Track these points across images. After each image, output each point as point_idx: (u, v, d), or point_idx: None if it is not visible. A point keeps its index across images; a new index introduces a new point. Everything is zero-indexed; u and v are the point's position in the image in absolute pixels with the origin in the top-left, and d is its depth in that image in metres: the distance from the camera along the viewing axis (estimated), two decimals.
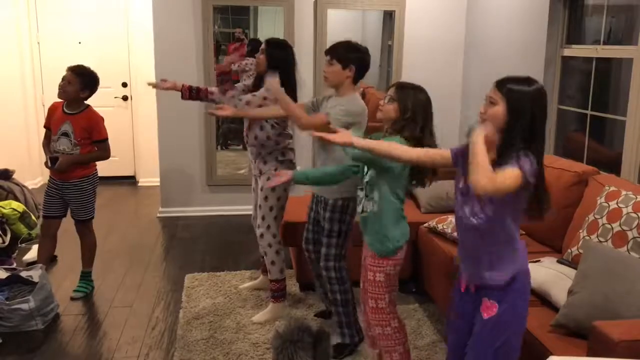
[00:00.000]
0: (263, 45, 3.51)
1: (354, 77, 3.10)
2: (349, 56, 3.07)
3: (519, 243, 2.16)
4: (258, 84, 3.54)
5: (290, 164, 3.61)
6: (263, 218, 3.56)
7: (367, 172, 2.70)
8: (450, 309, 2.37)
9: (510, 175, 1.93)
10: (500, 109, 2.04)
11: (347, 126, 3.00)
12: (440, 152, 2.29)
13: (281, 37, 5.55)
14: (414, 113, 2.56)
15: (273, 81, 3.11)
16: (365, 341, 3.19)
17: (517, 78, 2.10)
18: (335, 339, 3.23)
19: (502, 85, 2.08)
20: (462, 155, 2.17)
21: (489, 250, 2.13)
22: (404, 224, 2.69)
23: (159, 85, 3.77)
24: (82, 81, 3.78)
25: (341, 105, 3.05)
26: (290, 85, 3.42)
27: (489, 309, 2.14)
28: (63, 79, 3.77)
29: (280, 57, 3.46)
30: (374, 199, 2.65)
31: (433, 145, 2.55)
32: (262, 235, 3.58)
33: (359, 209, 2.75)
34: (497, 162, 2.00)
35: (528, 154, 1.97)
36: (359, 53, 3.12)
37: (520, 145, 1.99)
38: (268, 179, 3.50)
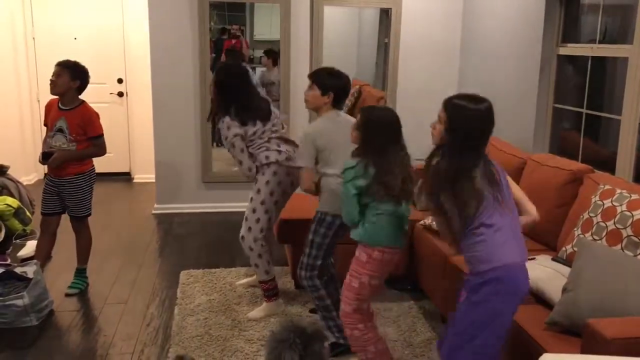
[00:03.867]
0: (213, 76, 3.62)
1: (333, 102, 3.16)
2: (328, 83, 3.14)
3: (480, 242, 2.19)
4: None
5: (276, 167, 3.59)
6: (245, 219, 3.57)
7: None
8: None
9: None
10: (440, 128, 2.22)
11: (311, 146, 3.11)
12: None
13: (277, 34, 5.60)
14: (372, 137, 2.65)
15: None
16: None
17: (465, 96, 2.23)
18: (330, 338, 3.23)
19: (447, 102, 2.23)
20: None
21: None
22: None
23: None
24: (70, 72, 3.78)
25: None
26: (241, 105, 3.49)
27: (462, 296, 2.28)
28: (52, 74, 3.78)
29: (224, 80, 3.55)
30: None
31: (406, 158, 2.66)
32: (242, 238, 3.59)
33: None
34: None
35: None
36: (339, 81, 3.18)
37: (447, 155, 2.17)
38: (255, 182, 3.56)
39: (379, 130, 2.67)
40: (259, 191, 3.54)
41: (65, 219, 4.02)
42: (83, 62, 3.88)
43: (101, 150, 3.92)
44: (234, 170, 5.88)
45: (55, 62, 3.81)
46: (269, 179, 3.55)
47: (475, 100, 2.20)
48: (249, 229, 3.56)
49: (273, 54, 5.80)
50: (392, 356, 2.90)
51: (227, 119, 3.50)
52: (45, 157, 3.79)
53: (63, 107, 3.82)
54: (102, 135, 3.89)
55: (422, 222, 3.73)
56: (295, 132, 5.78)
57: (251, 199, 3.57)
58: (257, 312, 3.62)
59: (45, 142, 3.93)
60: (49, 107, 3.93)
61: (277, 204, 3.63)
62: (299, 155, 3.22)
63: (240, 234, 3.61)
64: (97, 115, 3.88)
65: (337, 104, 3.17)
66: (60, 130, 3.79)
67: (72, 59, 3.86)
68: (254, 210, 3.55)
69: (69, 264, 4.16)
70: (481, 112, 2.18)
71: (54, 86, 3.77)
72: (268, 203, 3.57)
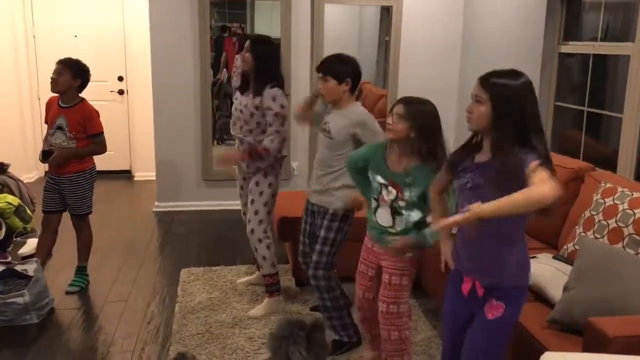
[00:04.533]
0: (248, 44, 3.48)
1: (351, 89, 3.07)
2: (342, 70, 3.02)
3: (524, 243, 2.13)
4: (247, 80, 3.52)
5: (284, 160, 3.63)
6: (256, 213, 3.54)
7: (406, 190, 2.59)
8: (446, 311, 2.34)
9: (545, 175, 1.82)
10: (485, 109, 1.98)
11: (355, 136, 2.99)
12: (439, 186, 2.31)
13: (278, 32, 5.56)
14: (425, 130, 2.49)
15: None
16: (364, 343, 3.17)
17: (502, 72, 2.02)
18: (332, 336, 3.21)
19: (486, 80, 2.00)
20: (453, 163, 2.17)
21: (497, 250, 2.08)
22: None
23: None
24: (72, 71, 3.77)
25: (344, 119, 3.03)
26: (276, 79, 3.43)
27: (495, 309, 2.09)
28: (53, 72, 3.77)
29: (265, 53, 3.45)
30: (411, 218, 2.57)
31: (444, 157, 2.46)
32: (252, 231, 3.56)
33: (384, 222, 2.64)
34: (498, 162, 1.95)
35: (530, 152, 1.91)
36: (351, 65, 3.08)
37: (516, 143, 1.93)
38: (265, 175, 3.50)
39: (437, 122, 2.54)
40: (270, 185, 3.53)
41: (66, 217, 4.02)
42: (83, 60, 3.87)
43: (102, 148, 3.91)
44: (234, 168, 5.89)
45: (55, 60, 3.81)
46: (279, 171, 3.58)
47: (516, 75, 2.02)
48: (260, 221, 3.54)
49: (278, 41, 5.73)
50: None
51: (278, 90, 3.39)
52: (45, 156, 3.78)
53: (63, 105, 3.81)
54: (102, 132, 3.88)
55: None
56: (296, 131, 5.77)
57: (261, 192, 3.52)
58: (257, 310, 3.62)
59: (45, 139, 3.93)
60: (49, 104, 3.93)
61: None
62: (379, 133, 2.93)
63: (250, 228, 3.57)
64: (97, 113, 3.87)
65: (353, 89, 3.08)
66: (60, 128, 3.78)
67: (73, 56, 3.86)
68: (265, 204, 3.54)
69: (69, 262, 4.16)
70: (528, 85, 2.01)
71: (55, 84, 3.77)
72: (276, 196, 3.61)
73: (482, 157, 2.08)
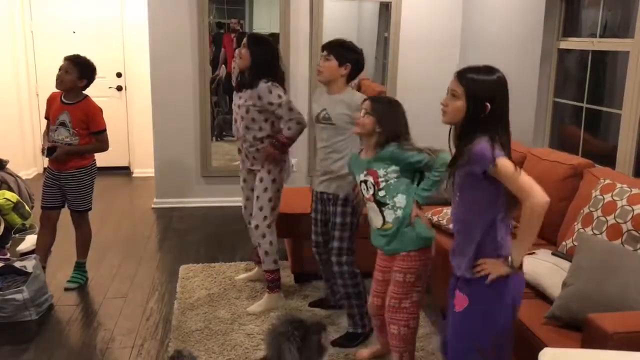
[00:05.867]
0: (245, 40, 3.50)
1: (348, 76, 3.12)
2: (346, 54, 3.10)
3: (500, 242, 2.12)
4: (241, 79, 3.53)
5: (286, 156, 3.62)
6: (261, 209, 3.54)
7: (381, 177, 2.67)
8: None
9: (520, 177, 2.00)
10: (460, 104, 2.06)
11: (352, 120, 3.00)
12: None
13: (277, 28, 5.57)
14: (389, 125, 2.65)
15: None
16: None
17: (478, 68, 2.10)
18: (346, 328, 3.29)
19: (462, 76, 2.08)
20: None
21: (465, 240, 2.17)
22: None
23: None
24: (80, 70, 3.75)
25: (342, 104, 3.07)
26: (276, 78, 3.44)
27: (461, 302, 2.16)
28: (60, 68, 3.75)
29: (263, 51, 3.45)
30: (397, 205, 2.65)
31: (414, 148, 2.65)
32: (257, 227, 3.57)
33: (377, 223, 2.70)
34: (458, 145, 2.09)
35: (481, 139, 2.01)
36: (356, 54, 3.15)
37: (477, 132, 2.02)
38: (269, 172, 3.51)
39: (403, 120, 2.72)
40: (274, 180, 3.54)
41: (64, 213, 4.02)
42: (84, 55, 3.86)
43: (104, 145, 3.91)
44: (234, 164, 5.88)
45: (53, 56, 3.80)
46: (283, 166, 3.59)
47: (491, 70, 2.09)
48: (264, 217, 3.55)
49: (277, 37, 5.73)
50: None
51: (272, 84, 3.39)
52: (49, 152, 3.78)
53: (66, 101, 3.80)
54: (105, 130, 3.88)
55: None
56: None
57: (265, 188, 3.53)
58: (256, 306, 3.62)
59: (46, 135, 3.91)
60: (51, 100, 3.91)
61: None
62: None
63: (254, 224, 3.58)
64: (100, 110, 3.86)
65: (350, 78, 3.14)
66: (63, 124, 3.77)
67: (71, 53, 3.84)
68: (270, 200, 3.55)
69: (68, 258, 4.15)
70: (502, 80, 2.07)
71: (61, 82, 3.75)
72: (280, 192, 3.62)
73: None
